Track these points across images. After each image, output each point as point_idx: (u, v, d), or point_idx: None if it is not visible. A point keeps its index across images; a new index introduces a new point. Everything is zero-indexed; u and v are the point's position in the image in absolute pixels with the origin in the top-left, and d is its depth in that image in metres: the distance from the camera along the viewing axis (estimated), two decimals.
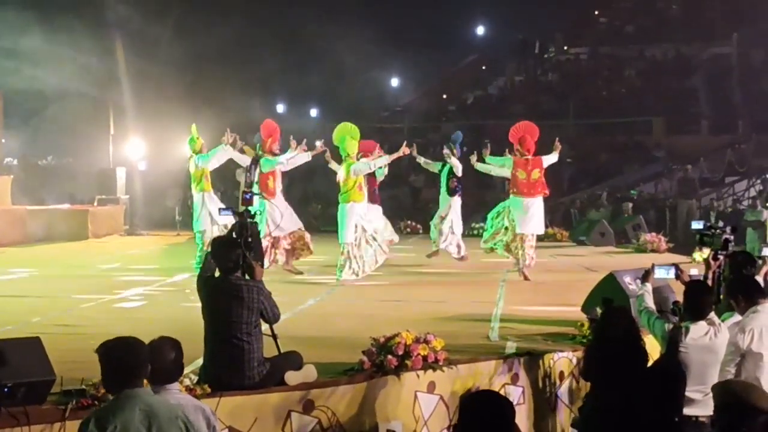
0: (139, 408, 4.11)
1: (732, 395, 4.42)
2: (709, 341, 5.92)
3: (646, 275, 6.83)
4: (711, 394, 5.83)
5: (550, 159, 12.55)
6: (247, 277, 6.22)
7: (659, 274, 6.93)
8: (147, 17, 24.56)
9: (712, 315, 6.06)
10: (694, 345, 5.89)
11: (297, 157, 12.18)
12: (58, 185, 23.76)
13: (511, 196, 12.59)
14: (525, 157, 12.36)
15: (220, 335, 5.97)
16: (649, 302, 6.51)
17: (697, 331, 5.92)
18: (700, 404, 5.86)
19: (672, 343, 5.95)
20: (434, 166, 14.10)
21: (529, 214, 12.35)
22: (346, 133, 12.10)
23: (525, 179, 12.34)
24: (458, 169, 13.62)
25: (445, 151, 13.77)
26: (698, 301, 6.08)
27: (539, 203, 12.47)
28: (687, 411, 5.81)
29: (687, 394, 5.77)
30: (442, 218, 13.88)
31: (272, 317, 6.17)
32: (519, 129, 12.66)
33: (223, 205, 11.14)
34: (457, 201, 13.77)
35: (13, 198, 19.48)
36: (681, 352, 5.88)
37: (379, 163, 12.44)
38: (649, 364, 5.90)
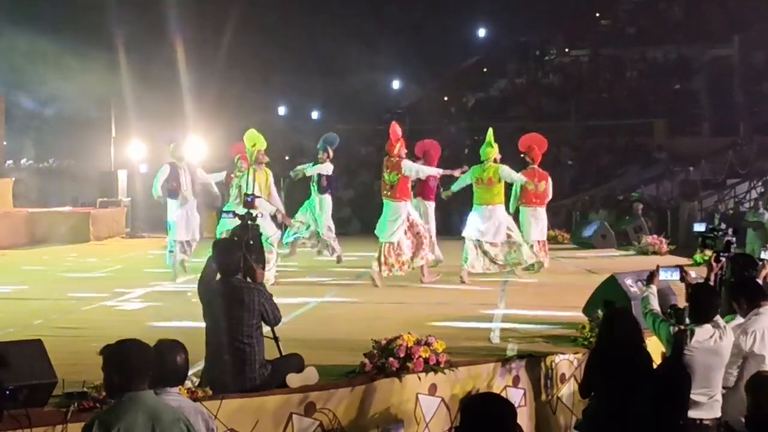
0: (143, 411, 4.12)
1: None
2: (714, 344, 5.90)
3: (651, 277, 6.82)
4: (715, 397, 5.85)
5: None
6: (248, 279, 6.23)
7: (664, 276, 6.93)
8: (148, 20, 24.57)
9: (718, 318, 6.05)
10: (699, 348, 5.87)
11: (427, 170, 12.32)
12: (59, 188, 23.77)
13: (520, 207, 13.27)
14: (531, 167, 13.02)
15: (221, 338, 5.98)
16: (655, 304, 6.51)
17: (703, 334, 5.91)
18: (705, 407, 5.85)
19: (677, 345, 5.94)
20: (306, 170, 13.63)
21: (540, 222, 13.22)
22: (488, 138, 12.41)
23: (534, 190, 13.08)
24: (329, 170, 13.42)
25: (320, 154, 13.41)
26: (704, 303, 6.07)
27: (544, 212, 13.35)
28: (692, 414, 5.80)
29: (692, 397, 5.76)
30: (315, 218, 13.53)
31: (273, 320, 6.18)
32: (527, 139, 13.27)
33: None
34: (328, 199, 13.51)
35: (14, 200, 19.50)
36: (686, 355, 5.87)
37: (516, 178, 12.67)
38: (653, 366, 5.91)
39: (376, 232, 11.80)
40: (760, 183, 24.07)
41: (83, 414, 5.29)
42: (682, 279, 6.81)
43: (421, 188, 13.27)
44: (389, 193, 11.69)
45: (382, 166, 11.97)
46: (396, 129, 12.06)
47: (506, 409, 3.98)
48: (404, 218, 11.55)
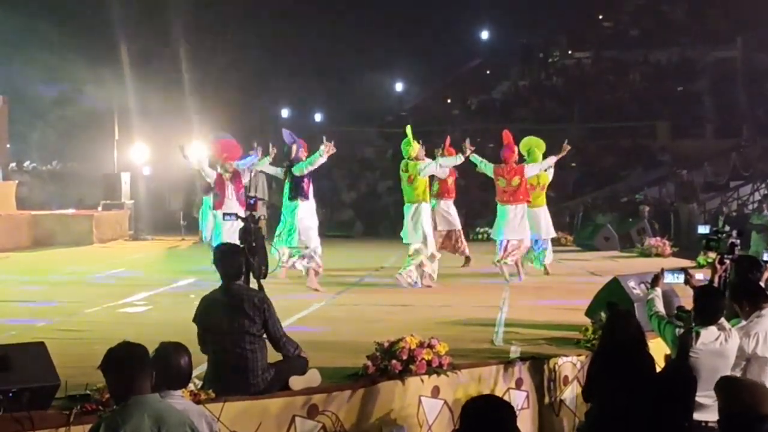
0: (148, 414, 4.12)
1: (739, 402, 4.40)
2: (719, 346, 5.90)
3: (655, 280, 6.82)
4: (717, 399, 5.83)
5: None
6: (251, 281, 6.22)
7: (668, 278, 6.93)
8: (151, 22, 24.62)
9: (723, 320, 6.04)
10: (704, 350, 5.86)
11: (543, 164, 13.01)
12: (62, 190, 23.80)
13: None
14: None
15: (224, 345, 5.95)
16: (660, 306, 6.51)
17: (708, 336, 5.90)
18: (710, 409, 5.82)
19: (682, 347, 5.93)
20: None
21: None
22: (533, 145, 13.17)
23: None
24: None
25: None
26: (709, 305, 6.06)
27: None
28: (697, 416, 5.79)
29: (697, 399, 5.75)
30: None
31: (275, 329, 6.11)
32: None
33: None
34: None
35: (17, 203, 19.51)
36: (692, 357, 5.86)
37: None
38: (656, 369, 5.90)
39: (493, 236, 12.89)
40: (763, 185, 24.05)
41: (86, 416, 5.29)
42: (687, 282, 6.81)
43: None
44: (511, 198, 12.43)
45: (497, 173, 12.51)
46: (510, 135, 12.78)
47: (506, 411, 3.98)
48: (522, 216, 12.55)
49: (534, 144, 13.33)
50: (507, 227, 12.54)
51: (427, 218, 11.85)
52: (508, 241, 12.53)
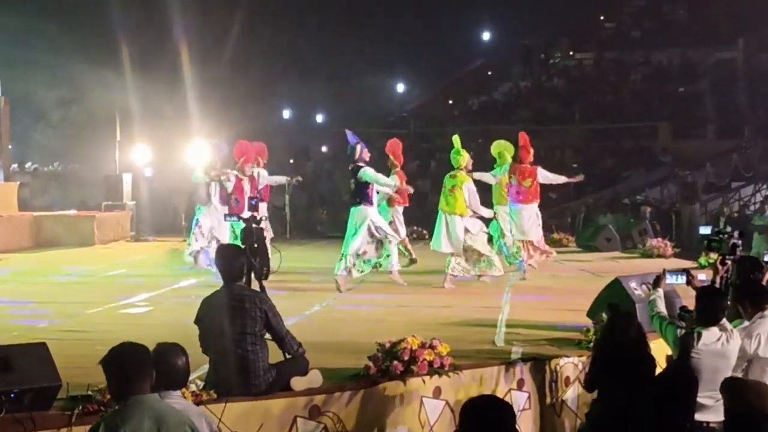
0: (148, 414, 4.12)
1: (744, 402, 4.41)
2: (721, 347, 5.90)
3: (657, 280, 6.83)
4: (722, 400, 5.84)
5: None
6: (253, 281, 6.22)
7: (670, 279, 6.93)
8: (153, 24, 24.63)
9: (724, 321, 6.05)
10: (706, 351, 5.87)
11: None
12: (64, 191, 23.82)
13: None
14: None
15: (225, 346, 5.95)
16: (661, 307, 6.51)
17: (710, 336, 5.91)
18: (712, 410, 5.84)
19: (684, 348, 5.94)
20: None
21: None
22: (503, 149, 13.62)
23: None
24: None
25: None
26: (710, 306, 6.07)
27: None
28: (698, 417, 5.80)
29: (699, 399, 5.76)
30: None
31: (278, 327, 6.12)
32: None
33: None
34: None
35: (19, 204, 19.53)
36: (693, 358, 5.87)
37: None
38: (657, 369, 5.90)
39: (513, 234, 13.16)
40: (764, 186, 24.03)
41: (87, 417, 5.30)
42: (688, 282, 6.81)
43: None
44: (522, 197, 12.85)
45: (512, 171, 13.01)
46: (526, 137, 13.14)
47: (505, 411, 3.99)
48: (536, 215, 13.00)
49: (503, 148, 13.66)
50: (517, 230, 12.94)
51: (461, 228, 11.77)
52: (522, 243, 12.95)
